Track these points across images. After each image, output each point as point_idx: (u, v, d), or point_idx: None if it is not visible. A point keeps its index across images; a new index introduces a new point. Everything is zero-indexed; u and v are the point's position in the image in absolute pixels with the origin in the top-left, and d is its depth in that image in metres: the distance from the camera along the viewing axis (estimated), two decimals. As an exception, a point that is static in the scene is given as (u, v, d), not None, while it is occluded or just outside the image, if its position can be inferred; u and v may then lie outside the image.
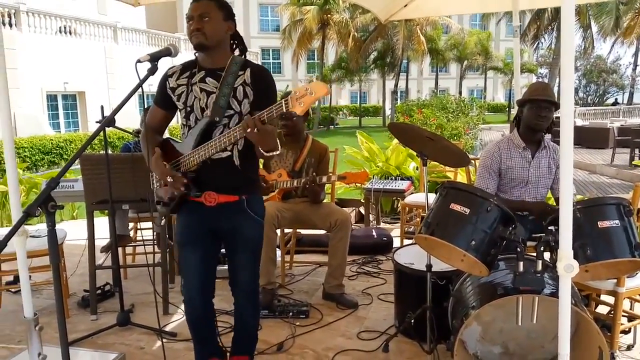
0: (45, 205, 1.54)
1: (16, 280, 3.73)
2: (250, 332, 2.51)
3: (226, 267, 2.40)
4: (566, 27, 1.69)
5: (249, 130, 1.90)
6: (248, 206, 2.24)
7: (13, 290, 3.75)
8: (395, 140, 7.26)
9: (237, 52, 2.25)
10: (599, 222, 2.09)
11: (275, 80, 2.26)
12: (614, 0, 24.71)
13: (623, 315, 2.64)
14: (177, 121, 2.40)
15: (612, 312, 2.59)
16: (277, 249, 3.72)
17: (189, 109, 2.19)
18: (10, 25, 15.54)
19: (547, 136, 3.07)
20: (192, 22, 2.09)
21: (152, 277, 2.58)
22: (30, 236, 3.07)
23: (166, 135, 2.45)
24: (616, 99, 45.17)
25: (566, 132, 1.70)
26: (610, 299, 2.63)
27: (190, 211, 2.25)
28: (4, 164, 2.69)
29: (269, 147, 2.04)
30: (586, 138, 16.58)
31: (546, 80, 31.99)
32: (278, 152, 2.08)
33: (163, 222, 3.55)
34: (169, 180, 2.13)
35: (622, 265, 2.21)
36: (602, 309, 2.84)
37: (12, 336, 3.13)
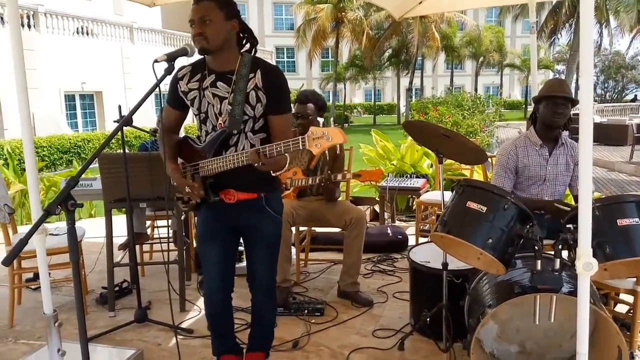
0: (65, 203, 1.56)
1: (36, 277, 3.79)
2: (267, 328, 2.54)
3: (243, 264, 2.42)
4: (585, 23, 1.67)
5: (255, 164, 1.94)
6: (267, 204, 2.26)
7: (33, 287, 3.81)
8: (410, 138, 7.23)
9: (247, 47, 2.23)
10: (618, 220, 2.06)
11: (289, 79, 2.26)
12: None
13: (643, 315, 2.60)
14: (192, 119, 2.41)
15: (632, 311, 2.56)
16: (292, 246, 3.73)
17: (203, 115, 2.20)
18: (29, 26, 15.77)
19: (565, 133, 3.03)
20: (194, 26, 2.05)
21: (168, 275, 2.60)
22: (50, 234, 3.13)
23: (182, 133, 2.48)
24: (635, 95, 44.48)
25: (586, 129, 1.68)
26: (629, 298, 2.59)
27: (210, 208, 2.27)
28: (24, 162, 2.73)
29: (275, 171, 2.08)
30: (604, 135, 16.33)
31: (563, 77, 31.59)
32: (285, 170, 2.09)
33: (183, 217, 3.59)
34: (186, 190, 2.19)
35: (642, 264, 2.18)
36: (621, 308, 2.80)
37: (32, 332, 3.18)
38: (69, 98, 17.69)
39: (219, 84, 2.15)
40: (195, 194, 2.18)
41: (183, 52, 2.04)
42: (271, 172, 2.07)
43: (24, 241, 1.47)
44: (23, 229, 4.36)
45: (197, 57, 2.21)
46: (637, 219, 2.06)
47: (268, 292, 2.45)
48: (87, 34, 18.19)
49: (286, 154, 1.97)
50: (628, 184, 10.85)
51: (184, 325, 3.20)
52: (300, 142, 1.81)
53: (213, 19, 2.05)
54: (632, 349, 2.47)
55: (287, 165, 2.04)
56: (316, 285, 3.86)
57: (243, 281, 2.46)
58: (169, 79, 2.15)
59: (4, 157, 9.62)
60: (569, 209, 2.61)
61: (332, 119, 28.67)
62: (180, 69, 2.25)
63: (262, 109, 2.15)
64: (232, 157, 2.06)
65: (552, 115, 2.86)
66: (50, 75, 15.96)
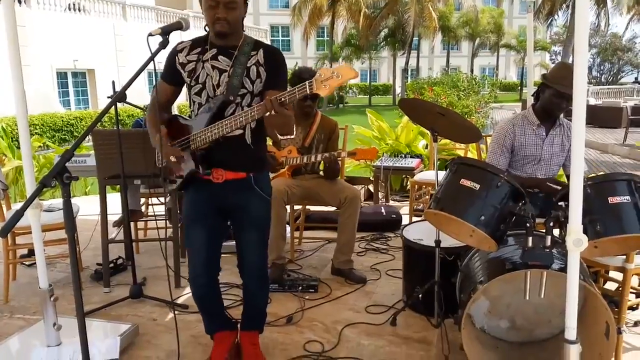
0: (60, 176, 1.56)
1: (30, 253, 3.80)
2: (259, 309, 2.54)
3: (233, 242, 2.41)
4: (580, 3, 1.66)
5: (267, 112, 1.90)
6: (255, 183, 2.25)
7: (27, 263, 3.82)
8: (405, 118, 7.23)
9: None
10: (609, 198, 2.08)
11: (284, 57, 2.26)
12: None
13: (631, 292, 2.64)
14: (184, 99, 2.39)
15: (620, 288, 2.60)
16: (287, 225, 3.75)
17: (200, 86, 2.19)
18: (20, 2, 15.51)
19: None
20: (218, 10, 2.03)
21: (164, 251, 2.62)
22: (44, 210, 3.12)
23: (175, 111, 2.46)
24: (636, 77, 44.45)
25: (578, 108, 1.69)
26: (618, 276, 2.63)
27: (197, 189, 2.26)
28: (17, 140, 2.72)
29: (285, 132, 2.04)
30: (599, 117, 16.37)
31: (559, 59, 31.46)
32: (292, 136, 2.05)
33: (168, 198, 3.59)
34: (172, 159, 2.16)
35: (631, 241, 2.21)
36: (611, 286, 2.85)
37: (28, 307, 3.20)
38: (61, 76, 17.50)
39: (220, 57, 2.16)
40: (179, 163, 2.16)
41: (178, 26, 2.01)
42: (278, 135, 2.05)
43: (20, 213, 1.47)
44: (17, 207, 4.36)
45: (188, 34, 2.19)
46: (628, 197, 2.09)
47: (259, 277, 2.43)
48: (79, 10, 17.91)
49: (292, 116, 1.94)
50: (621, 166, 10.92)
51: (179, 301, 3.22)
52: (308, 86, 1.75)
53: (237, 2, 2.06)
54: (620, 325, 2.52)
55: (293, 130, 2.00)
56: (310, 263, 3.89)
57: (234, 257, 2.47)
58: (163, 54, 2.13)
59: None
60: (560, 187, 2.64)
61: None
62: (179, 43, 2.24)
63: (260, 86, 2.16)
64: (235, 118, 2.01)
65: (557, 108, 2.88)
66: (42, 52, 15.75)
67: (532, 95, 3.08)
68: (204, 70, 2.17)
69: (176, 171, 2.23)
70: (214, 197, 2.25)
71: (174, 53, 2.23)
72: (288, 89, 1.89)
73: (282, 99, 1.86)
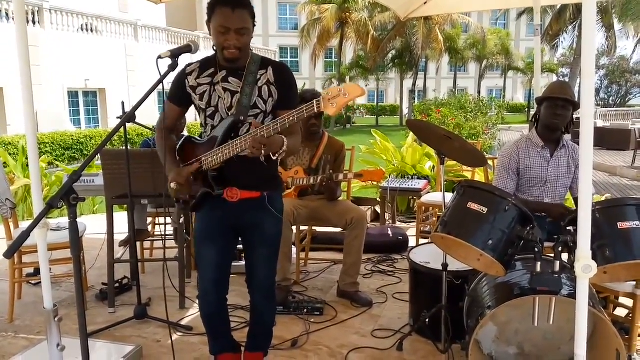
0: (67, 197, 1.56)
1: (36, 272, 3.80)
2: (266, 328, 2.54)
3: (241, 263, 2.42)
4: (587, 26, 1.67)
5: (254, 149, 1.90)
6: (269, 202, 2.26)
7: (33, 282, 3.82)
8: (410, 139, 7.26)
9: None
10: (618, 223, 2.06)
11: (292, 78, 2.28)
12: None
13: (642, 319, 2.59)
14: (194, 118, 2.40)
15: (631, 314, 2.55)
16: (293, 246, 3.74)
17: (213, 109, 2.20)
18: (34, 22, 15.82)
19: (567, 136, 3.04)
20: (229, 36, 2.03)
21: (167, 272, 2.61)
22: (51, 229, 3.13)
23: (185, 133, 2.48)
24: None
25: (586, 132, 1.69)
26: (629, 302, 2.59)
27: (211, 207, 2.26)
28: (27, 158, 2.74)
29: (275, 153, 2.01)
30: (607, 139, 16.33)
31: (567, 80, 31.52)
32: (283, 152, 2.02)
33: (182, 220, 3.60)
34: (172, 186, 2.16)
35: (642, 268, 2.18)
36: (621, 312, 2.80)
37: (32, 327, 3.19)
38: (73, 95, 17.72)
39: (231, 79, 2.17)
40: (187, 187, 2.16)
41: (187, 49, 2.04)
42: (271, 155, 2.03)
43: (26, 233, 1.48)
44: (25, 224, 4.38)
45: (199, 55, 2.21)
46: (637, 222, 2.06)
47: (268, 293, 2.44)
48: (92, 31, 18.22)
49: (283, 137, 1.96)
50: (630, 188, 10.83)
51: (183, 323, 3.20)
52: (315, 105, 1.75)
53: (249, 29, 2.07)
54: (631, 352, 2.47)
55: (284, 144, 1.98)
56: (316, 285, 3.86)
57: (242, 279, 2.47)
58: (172, 75, 2.15)
59: (12, 152, 9.64)
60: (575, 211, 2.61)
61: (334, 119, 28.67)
62: (188, 65, 2.25)
63: (272, 104, 2.18)
64: (236, 143, 2.02)
65: (552, 116, 2.88)
66: (54, 72, 15.99)
67: (531, 121, 3.10)
68: (216, 92, 2.18)
69: (189, 192, 2.22)
70: (227, 216, 2.26)
71: (183, 76, 2.23)
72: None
73: (280, 125, 1.87)
